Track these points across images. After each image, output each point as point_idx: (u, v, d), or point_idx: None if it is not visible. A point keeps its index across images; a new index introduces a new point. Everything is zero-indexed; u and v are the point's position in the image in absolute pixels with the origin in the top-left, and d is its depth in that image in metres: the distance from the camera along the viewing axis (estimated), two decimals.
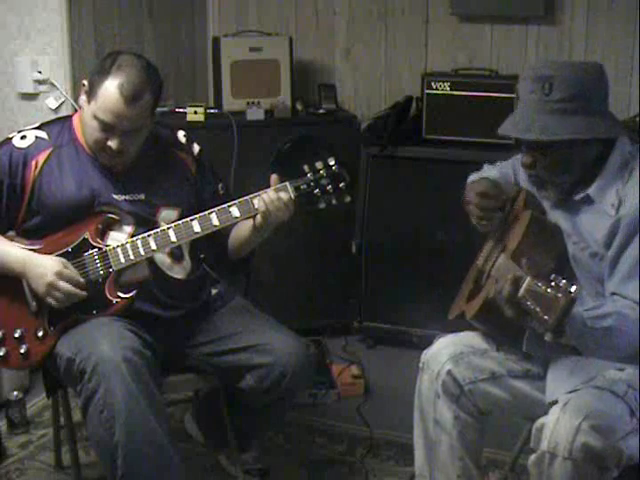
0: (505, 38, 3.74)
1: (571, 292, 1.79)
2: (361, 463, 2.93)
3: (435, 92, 3.58)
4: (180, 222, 2.41)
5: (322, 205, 2.47)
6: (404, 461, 2.87)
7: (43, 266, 2.33)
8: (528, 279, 1.85)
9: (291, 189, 2.44)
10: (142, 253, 2.38)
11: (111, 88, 2.31)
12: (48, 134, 2.45)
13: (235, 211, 2.42)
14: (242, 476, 2.75)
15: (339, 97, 3.94)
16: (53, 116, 3.20)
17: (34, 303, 2.38)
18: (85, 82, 2.40)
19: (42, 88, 3.30)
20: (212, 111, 3.68)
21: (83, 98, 2.40)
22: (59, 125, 2.50)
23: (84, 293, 2.34)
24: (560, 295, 1.79)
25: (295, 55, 3.84)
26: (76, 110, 3.21)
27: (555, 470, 1.96)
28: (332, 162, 2.47)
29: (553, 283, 1.81)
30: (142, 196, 2.45)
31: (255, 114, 3.65)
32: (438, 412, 2.29)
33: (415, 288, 3.59)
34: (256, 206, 2.41)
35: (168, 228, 2.40)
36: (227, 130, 3.53)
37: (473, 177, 2.49)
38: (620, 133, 2.13)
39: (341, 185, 2.46)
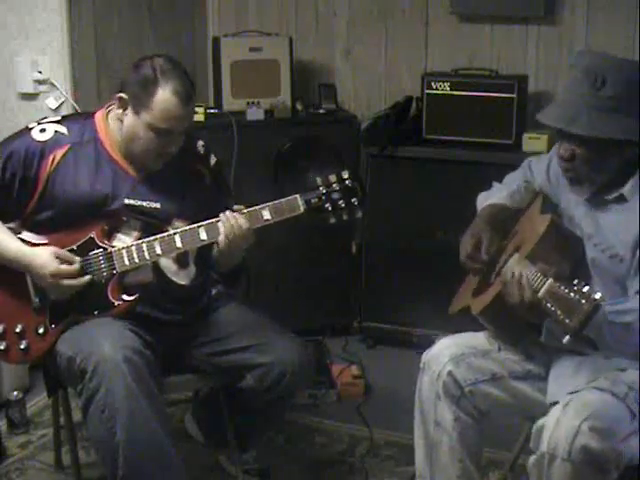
0: (505, 38, 3.74)
1: (596, 299, 1.80)
2: (361, 463, 2.93)
3: (435, 92, 3.57)
4: (187, 228, 2.38)
5: (332, 220, 2.39)
6: (404, 461, 2.87)
7: (39, 267, 2.32)
8: (550, 280, 1.87)
9: (301, 202, 2.37)
10: (147, 257, 2.36)
11: (167, 95, 2.30)
12: (68, 129, 2.42)
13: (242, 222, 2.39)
14: (242, 476, 2.75)
15: (339, 97, 3.94)
16: (53, 116, 3.19)
17: (37, 299, 2.38)
18: (123, 95, 2.36)
19: (42, 88, 3.30)
20: (212, 111, 3.68)
21: (121, 112, 2.37)
22: (80, 122, 2.47)
23: (85, 280, 2.34)
24: (584, 301, 1.80)
25: (295, 55, 3.84)
26: (76, 110, 3.22)
27: (554, 471, 1.96)
28: (346, 175, 2.38)
29: (576, 288, 1.82)
30: (158, 205, 2.43)
31: (255, 114, 3.65)
32: (439, 413, 2.28)
33: (415, 288, 3.59)
34: (265, 217, 2.37)
35: (174, 234, 2.37)
36: (227, 130, 3.53)
37: (482, 198, 2.51)
38: None
39: (353, 200, 2.37)
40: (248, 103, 3.70)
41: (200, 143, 2.58)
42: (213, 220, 2.37)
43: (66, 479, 2.80)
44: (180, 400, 3.15)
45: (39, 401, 3.25)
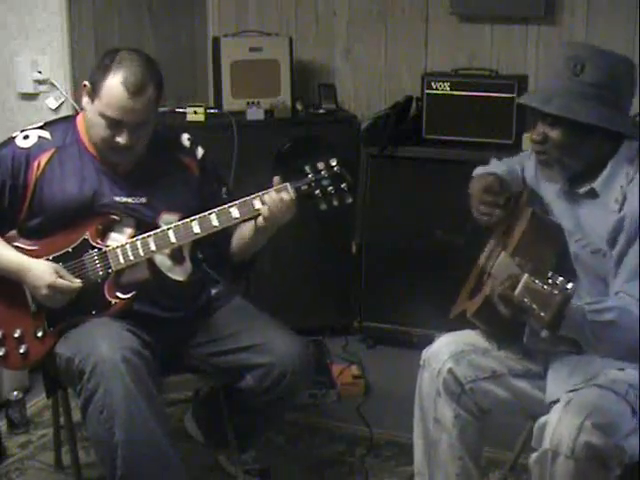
0: (505, 38, 3.74)
1: (567, 289, 1.79)
2: (361, 463, 2.93)
3: (435, 92, 3.58)
4: (180, 223, 2.39)
5: (323, 206, 2.43)
6: (404, 461, 2.87)
7: (36, 277, 2.32)
8: (525, 276, 1.86)
9: (292, 190, 2.40)
10: (141, 254, 2.37)
11: (115, 83, 2.30)
12: (51, 134, 2.44)
13: (235, 212, 2.41)
14: (242, 476, 2.75)
15: (339, 97, 3.94)
16: (53, 116, 3.20)
17: (34, 304, 2.38)
18: (86, 83, 2.38)
19: (42, 88, 3.31)
20: (212, 111, 3.69)
21: (86, 99, 2.39)
22: (63, 125, 2.49)
23: (79, 286, 2.34)
24: (556, 292, 1.80)
25: (295, 55, 3.84)
26: (76, 110, 3.22)
27: (557, 468, 1.96)
28: (334, 162, 2.42)
29: (550, 280, 1.82)
30: (144, 199, 2.44)
31: (255, 114, 3.65)
32: (438, 411, 2.28)
33: (415, 288, 3.59)
34: (256, 207, 2.39)
35: (168, 229, 2.39)
36: (227, 130, 3.53)
37: (479, 170, 2.49)
38: (636, 134, 2.12)
39: (342, 186, 2.41)
40: (248, 103, 3.70)
41: (185, 136, 2.59)
42: (206, 213, 2.39)
43: (66, 479, 2.80)
44: (180, 400, 3.15)
45: (39, 401, 3.25)
